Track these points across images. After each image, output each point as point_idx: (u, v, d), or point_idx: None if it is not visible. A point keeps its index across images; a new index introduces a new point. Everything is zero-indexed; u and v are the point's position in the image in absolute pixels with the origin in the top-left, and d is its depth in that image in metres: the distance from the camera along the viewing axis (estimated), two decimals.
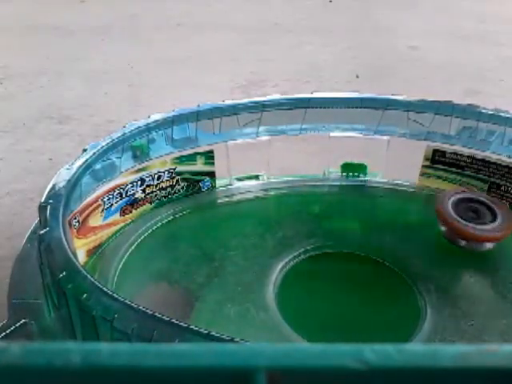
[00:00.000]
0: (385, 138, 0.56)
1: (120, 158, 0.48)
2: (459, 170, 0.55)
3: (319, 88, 0.93)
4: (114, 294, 0.31)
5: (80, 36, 1.21)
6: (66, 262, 0.33)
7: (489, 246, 0.48)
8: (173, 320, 0.29)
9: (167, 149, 0.52)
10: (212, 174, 0.56)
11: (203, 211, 0.54)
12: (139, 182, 0.50)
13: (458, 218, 0.47)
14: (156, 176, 0.51)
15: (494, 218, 0.48)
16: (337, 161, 0.58)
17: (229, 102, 0.55)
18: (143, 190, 0.51)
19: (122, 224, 0.50)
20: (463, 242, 0.48)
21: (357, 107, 0.56)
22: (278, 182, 0.59)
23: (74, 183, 0.41)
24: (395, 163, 0.58)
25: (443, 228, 0.49)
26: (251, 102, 0.55)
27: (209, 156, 0.54)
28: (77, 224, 0.43)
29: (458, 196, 0.50)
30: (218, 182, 0.56)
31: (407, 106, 0.55)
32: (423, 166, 0.57)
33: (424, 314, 0.42)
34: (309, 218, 0.54)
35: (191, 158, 0.53)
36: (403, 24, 1.32)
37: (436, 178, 0.57)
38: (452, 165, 0.55)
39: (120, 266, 0.46)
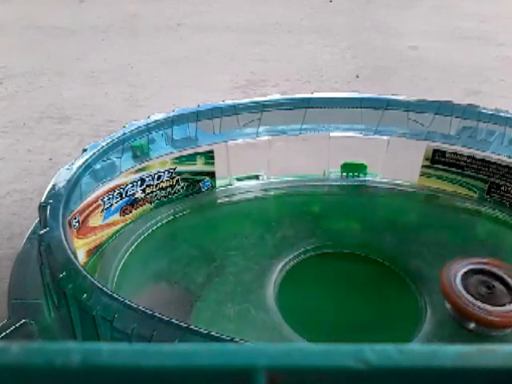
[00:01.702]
0: (385, 137, 0.56)
1: (120, 158, 0.48)
2: (459, 170, 0.55)
3: (319, 88, 0.93)
4: (114, 294, 0.31)
5: (80, 36, 1.21)
6: (66, 262, 0.33)
7: (506, 331, 0.39)
8: (173, 320, 0.29)
9: (167, 149, 0.52)
10: (212, 174, 0.55)
11: (203, 211, 0.54)
12: (139, 182, 0.50)
13: (466, 295, 0.39)
14: (156, 176, 0.51)
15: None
16: (337, 161, 0.58)
17: (229, 101, 0.55)
18: (143, 190, 0.51)
19: (122, 224, 0.50)
20: (472, 325, 0.39)
21: (357, 107, 0.56)
22: (278, 181, 0.59)
23: (74, 183, 0.41)
24: (395, 163, 0.58)
25: (448, 305, 0.41)
26: (251, 102, 0.55)
27: (209, 156, 0.54)
28: (77, 224, 0.43)
29: (470, 266, 0.41)
30: (218, 182, 0.56)
31: (407, 106, 0.55)
32: (423, 166, 0.57)
33: (424, 314, 0.42)
34: (309, 217, 0.54)
35: (191, 158, 0.53)
36: (403, 24, 1.32)
37: (436, 178, 0.56)
38: (452, 165, 0.55)
39: (120, 265, 0.46)
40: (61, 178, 0.41)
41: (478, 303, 0.39)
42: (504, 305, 0.39)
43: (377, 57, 1.10)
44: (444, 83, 0.97)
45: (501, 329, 0.38)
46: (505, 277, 0.40)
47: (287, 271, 0.47)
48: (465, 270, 0.41)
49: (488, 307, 0.38)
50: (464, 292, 0.39)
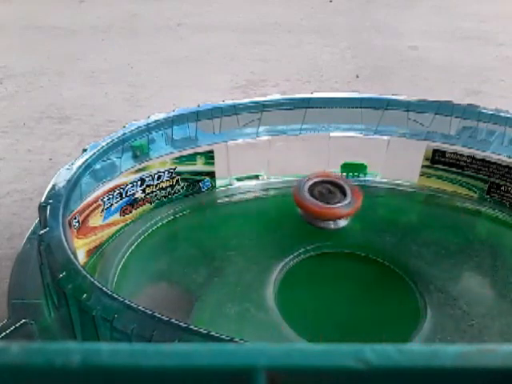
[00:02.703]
0: (385, 137, 0.56)
1: (120, 158, 0.48)
2: (459, 170, 0.55)
3: (319, 88, 0.93)
4: (114, 294, 0.31)
5: (80, 36, 1.21)
6: (66, 262, 0.33)
7: (342, 223, 0.51)
8: (173, 320, 0.29)
9: (167, 149, 0.52)
10: (212, 174, 0.55)
11: (203, 211, 0.54)
12: (139, 182, 0.50)
13: (312, 200, 0.49)
14: (156, 176, 0.51)
15: (344, 197, 0.50)
16: (337, 161, 0.58)
17: (229, 101, 0.55)
18: (143, 190, 0.51)
19: (122, 224, 0.50)
20: (320, 223, 0.50)
21: (357, 107, 0.56)
22: (278, 181, 0.59)
23: (74, 183, 0.41)
24: (395, 163, 0.58)
25: (300, 211, 0.51)
26: (251, 102, 0.55)
27: (209, 156, 0.54)
28: (77, 224, 0.43)
29: (314, 180, 0.52)
30: (218, 182, 0.56)
31: (407, 106, 0.55)
32: (423, 166, 0.57)
33: (424, 314, 0.42)
34: None
35: (191, 158, 0.53)
36: (403, 24, 1.32)
37: (436, 178, 0.56)
38: (452, 165, 0.55)
39: (120, 265, 0.46)
40: (61, 178, 0.41)
41: (320, 204, 0.49)
42: (338, 202, 0.50)
43: (377, 57, 1.10)
44: (444, 83, 0.97)
45: (337, 220, 0.50)
46: (341, 183, 0.52)
47: (287, 271, 0.47)
48: (311, 182, 0.51)
49: (327, 206, 0.49)
50: (309, 198, 0.50)
